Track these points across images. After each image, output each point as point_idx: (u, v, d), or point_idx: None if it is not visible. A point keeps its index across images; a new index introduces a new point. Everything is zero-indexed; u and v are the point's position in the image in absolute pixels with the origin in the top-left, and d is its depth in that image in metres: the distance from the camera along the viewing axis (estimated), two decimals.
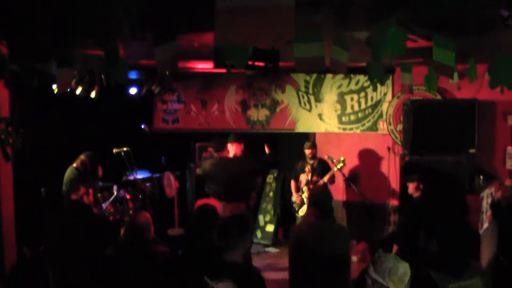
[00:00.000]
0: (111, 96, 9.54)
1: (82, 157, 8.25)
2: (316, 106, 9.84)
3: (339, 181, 9.07)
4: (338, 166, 8.68)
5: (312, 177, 8.82)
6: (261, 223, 10.45)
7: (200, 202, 5.95)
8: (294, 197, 9.02)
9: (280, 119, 10.28)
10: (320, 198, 5.22)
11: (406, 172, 7.54)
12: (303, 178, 8.93)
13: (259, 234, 10.33)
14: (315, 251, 4.94)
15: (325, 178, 8.67)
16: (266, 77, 10.26)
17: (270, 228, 10.26)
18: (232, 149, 8.26)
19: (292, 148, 9.28)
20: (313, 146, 9.00)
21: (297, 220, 9.19)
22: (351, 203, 9.28)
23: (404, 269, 2.99)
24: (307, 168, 8.92)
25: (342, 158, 8.67)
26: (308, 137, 10.01)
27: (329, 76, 9.61)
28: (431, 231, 4.35)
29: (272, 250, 9.94)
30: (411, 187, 6.90)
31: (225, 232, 4.08)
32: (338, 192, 9.44)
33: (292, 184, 9.18)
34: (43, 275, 6.06)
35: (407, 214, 7.03)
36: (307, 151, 8.91)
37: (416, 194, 6.86)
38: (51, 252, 6.21)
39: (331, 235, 5.03)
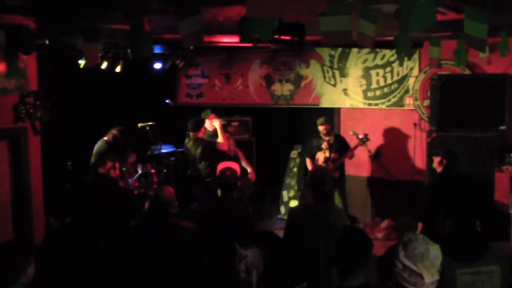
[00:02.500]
0: (136, 71, 9.59)
1: (113, 131, 8.38)
2: (341, 81, 9.77)
3: (364, 157, 9.02)
4: (362, 141, 8.49)
5: (330, 154, 8.61)
6: (285, 198, 10.44)
7: (222, 165, 6.01)
8: None
9: (305, 94, 10.24)
10: (319, 180, 4.98)
11: (433, 149, 7.46)
12: (321, 155, 8.69)
13: (283, 209, 10.29)
14: (309, 234, 4.78)
15: (347, 155, 8.52)
16: (291, 51, 10.21)
17: (294, 203, 10.20)
18: (211, 123, 8.27)
19: (316, 123, 9.17)
20: (327, 121, 8.73)
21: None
22: (376, 179, 9.23)
23: (435, 252, 2.91)
24: (324, 145, 8.68)
25: (365, 134, 8.53)
26: (332, 112, 9.94)
27: (354, 50, 9.51)
28: (447, 210, 4.26)
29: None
30: (435, 161, 6.83)
31: (258, 200, 4.26)
32: (363, 168, 9.41)
33: (308, 162, 8.89)
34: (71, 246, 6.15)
35: (428, 190, 6.96)
36: (321, 127, 8.66)
37: (439, 169, 6.80)
38: (77, 225, 6.30)
39: (327, 218, 4.81)
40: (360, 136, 8.58)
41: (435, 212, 5.91)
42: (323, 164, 8.52)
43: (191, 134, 8.26)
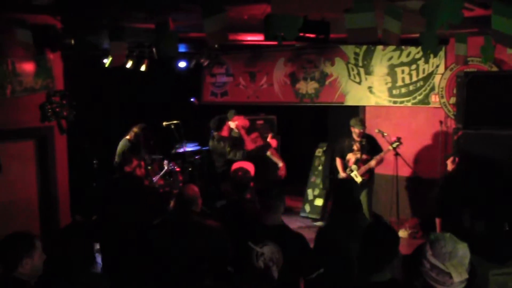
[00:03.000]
0: (160, 70, 9.62)
1: (135, 129, 8.41)
2: (366, 78, 9.71)
3: (390, 155, 8.94)
4: (394, 145, 8.35)
5: (362, 155, 8.47)
6: (310, 197, 10.41)
7: (236, 165, 6.05)
8: (342, 176, 8.60)
9: (329, 92, 10.20)
10: (344, 192, 4.78)
11: (460, 146, 7.40)
12: (352, 156, 8.53)
13: (307, 208, 10.32)
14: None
15: (378, 158, 8.37)
16: (315, 49, 10.19)
17: (319, 202, 10.22)
18: (234, 124, 8.31)
19: (341, 121, 9.15)
20: (364, 124, 8.49)
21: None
22: (402, 177, 9.14)
23: (463, 250, 2.87)
24: (356, 146, 8.51)
25: (398, 138, 8.37)
26: (357, 110, 9.90)
27: (379, 48, 9.45)
28: (479, 210, 4.20)
29: (321, 224, 9.77)
30: (449, 162, 6.87)
31: (265, 195, 4.33)
32: (389, 167, 9.30)
33: (338, 162, 8.70)
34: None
35: (441, 186, 6.96)
36: (357, 130, 8.36)
37: (450, 167, 6.83)
38: (102, 222, 6.34)
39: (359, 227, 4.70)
40: (385, 135, 8.52)
41: (458, 210, 5.90)
42: (354, 166, 8.46)
43: (215, 133, 8.28)
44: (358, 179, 8.39)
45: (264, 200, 4.35)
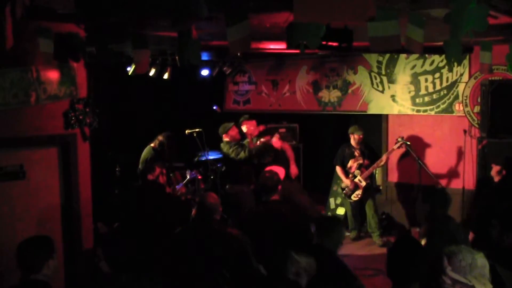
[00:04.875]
0: (183, 78, 9.65)
1: (160, 137, 8.48)
2: (389, 87, 9.64)
3: (413, 164, 8.87)
4: (395, 147, 8.86)
5: (364, 160, 9.03)
6: (332, 205, 10.32)
7: (267, 168, 6.16)
8: (346, 182, 9.16)
9: (352, 100, 10.15)
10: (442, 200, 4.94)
11: (485, 156, 7.29)
12: (353, 163, 9.07)
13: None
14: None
15: (382, 161, 8.96)
16: (338, 58, 10.15)
17: (341, 211, 10.10)
18: (245, 129, 8.69)
19: (363, 129, 9.10)
20: (362, 130, 9.05)
21: (348, 207, 9.37)
22: (425, 187, 9.05)
23: (482, 260, 2.80)
24: (357, 152, 9.06)
25: (401, 137, 8.89)
26: (380, 119, 9.86)
27: (402, 56, 9.37)
28: (508, 222, 4.12)
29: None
30: (494, 170, 6.68)
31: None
32: (407, 175, 9.27)
33: (339, 170, 9.30)
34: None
35: (484, 198, 6.79)
36: (357, 136, 9.01)
37: (496, 178, 6.64)
38: (124, 229, 6.37)
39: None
40: (408, 143, 8.57)
41: (488, 222, 5.78)
42: (357, 171, 8.95)
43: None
44: (363, 184, 8.96)
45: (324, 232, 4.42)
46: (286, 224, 5.18)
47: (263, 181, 5.73)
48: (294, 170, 8.61)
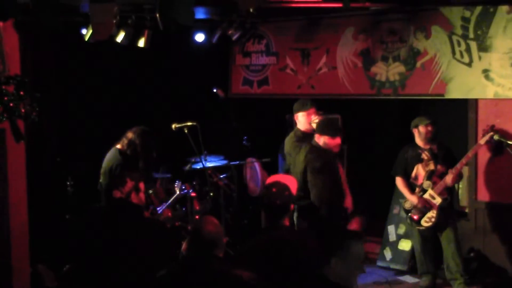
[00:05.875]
0: (168, 46, 9.55)
1: (129, 134, 8.48)
2: (480, 58, 9.39)
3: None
4: (481, 141, 8.67)
5: (436, 166, 8.72)
6: (392, 237, 10.35)
7: (271, 178, 6.35)
8: (411, 200, 8.84)
9: (422, 78, 9.93)
10: None
11: None
12: (421, 170, 8.84)
13: (388, 254, 10.28)
14: None
15: (458, 167, 8.58)
16: (401, 14, 10.04)
17: (405, 245, 10.10)
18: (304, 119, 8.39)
19: (440, 123, 8.93)
20: (434, 122, 8.83)
21: (416, 239, 9.19)
22: None
23: None
24: (425, 154, 8.80)
25: (492, 126, 8.73)
26: (465, 106, 9.71)
27: (502, 9, 9.12)
28: None
29: (409, 279, 9.77)
30: None
31: None
32: (508, 193, 9.13)
33: (400, 182, 9.07)
34: None
35: None
36: (423, 129, 8.80)
37: None
38: (79, 275, 6.25)
39: None
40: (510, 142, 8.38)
41: None
42: (427, 182, 8.72)
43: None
44: (437, 201, 8.61)
45: None
46: (304, 264, 5.26)
47: (270, 199, 5.75)
48: None
